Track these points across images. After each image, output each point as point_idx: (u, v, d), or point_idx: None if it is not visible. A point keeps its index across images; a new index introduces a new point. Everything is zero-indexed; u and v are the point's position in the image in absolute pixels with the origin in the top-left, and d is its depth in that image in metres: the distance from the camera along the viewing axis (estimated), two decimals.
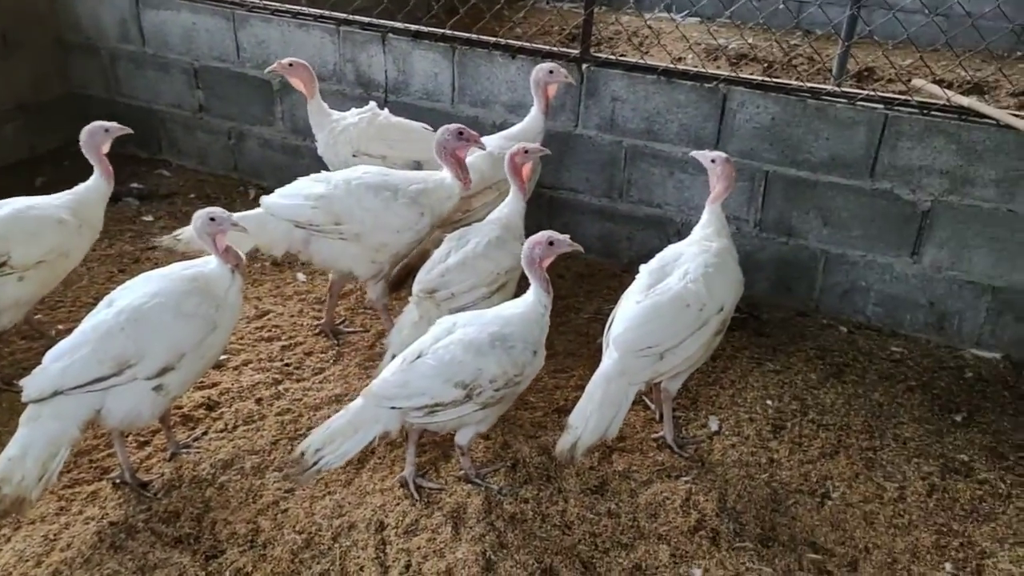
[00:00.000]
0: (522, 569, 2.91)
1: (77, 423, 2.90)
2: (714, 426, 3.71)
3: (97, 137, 3.73)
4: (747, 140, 4.42)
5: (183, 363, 3.01)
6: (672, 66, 4.52)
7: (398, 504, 3.17)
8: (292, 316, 4.30)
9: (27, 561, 2.84)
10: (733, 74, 4.43)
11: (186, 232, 3.81)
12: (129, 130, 3.86)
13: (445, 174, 3.82)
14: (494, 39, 4.82)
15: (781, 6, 6.34)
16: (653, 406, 3.77)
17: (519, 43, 4.79)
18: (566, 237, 3.14)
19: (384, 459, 3.38)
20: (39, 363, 2.93)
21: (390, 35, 5.04)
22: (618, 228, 4.89)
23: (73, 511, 3.06)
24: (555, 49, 4.73)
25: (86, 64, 6.00)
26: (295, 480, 3.05)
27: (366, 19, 5.14)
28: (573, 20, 9.26)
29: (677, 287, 3.27)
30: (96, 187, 3.77)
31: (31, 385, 2.86)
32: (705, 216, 3.56)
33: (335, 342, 4.11)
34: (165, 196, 5.54)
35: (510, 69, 4.80)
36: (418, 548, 2.98)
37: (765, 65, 7.54)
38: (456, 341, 2.99)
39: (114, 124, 3.79)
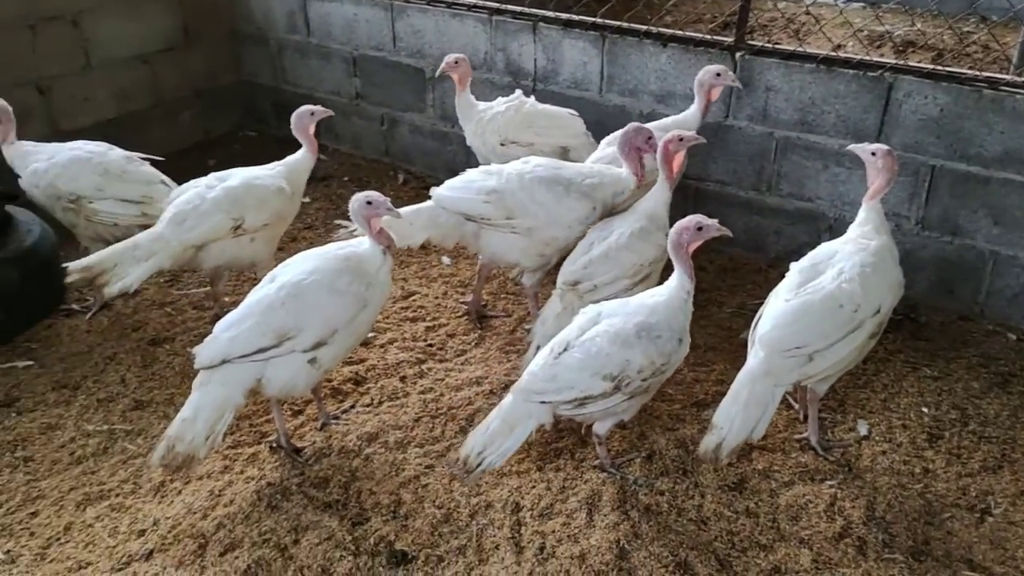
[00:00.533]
0: (656, 561, 2.90)
1: (241, 390, 3.10)
2: (863, 431, 3.56)
3: (304, 119, 4.08)
4: (912, 133, 4.19)
5: (335, 338, 3.16)
6: (833, 54, 4.33)
7: (534, 487, 3.22)
8: (436, 298, 4.44)
9: (195, 513, 3.07)
10: (900, 62, 4.20)
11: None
12: (331, 112, 4.21)
13: (622, 169, 3.81)
14: (645, 27, 4.77)
15: None
16: (797, 405, 3.65)
17: (671, 31, 4.72)
18: (714, 222, 3.09)
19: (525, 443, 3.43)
20: (209, 332, 3.15)
21: (541, 24, 5.08)
22: (765, 222, 4.75)
23: (235, 470, 3.28)
24: (708, 37, 4.63)
25: (256, 53, 6.37)
26: (464, 482, 3.14)
27: (518, 8, 5.20)
28: (728, 7, 9.03)
29: (830, 286, 3.14)
30: (304, 159, 4.14)
31: (203, 353, 3.08)
32: (863, 213, 3.40)
33: (478, 325, 4.20)
34: (322, 179, 5.81)
35: (660, 58, 4.74)
36: (552, 531, 3.02)
37: (934, 53, 7.10)
38: (602, 333, 3.00)
39: (318, 107, 4.12)
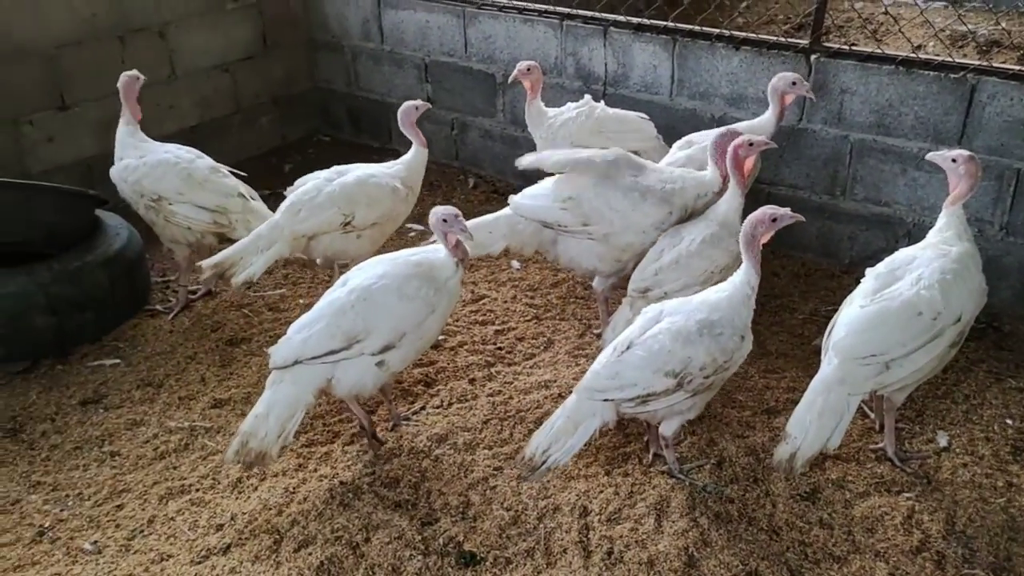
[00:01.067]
0: (725, 569, 2.87)
1: (312, 389, 3.18)
2: (943, 442, 3.46)
3: (411, 114, 4.18)
4: (996, 135, 4.05)
5: (403, 342, 3.21)
6: (913, 55, 4.22)
7: (601, 491, 3.22)
8: (505, 302, 4.47)
9: (270, 509, 3.17)
10: (984, 63, 4.07)
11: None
12: (429, 105, 4.33)
13: (706, 172, 3.78)
14: (717, 30, 4.73)
15: None
16: (873, 415, 3.57)
17: (743, 34, 4.67)
18: (787, 210, 3.06)
19: (589, 447, 3.43)
20: (283, 332, 3.25)
21: (611, 28, 5.08)
22: (839, 227, 4.65)
23: (309, 468, 3.37)
24: (782, 40, 4.57)
25: (331, 60, 6.52)
26: (529, 480, 3.15)
27: (589, 13, 5.21)
28: (802, 7, 8.88)
29: (908, 293, 3.07)
30: (417, 156, 4.20)
31: (277, 353, 3.17)
32: (943, 218, 3.30)
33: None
34: None
35: (732, 61, 4.69)
36: (620, 536, 3.02)
37: (1021, 53, 6.83)
38: (664, 330, 2.99)
39: (420, 101, 4.23)
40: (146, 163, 4.19)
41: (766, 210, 3.05)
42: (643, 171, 3.83)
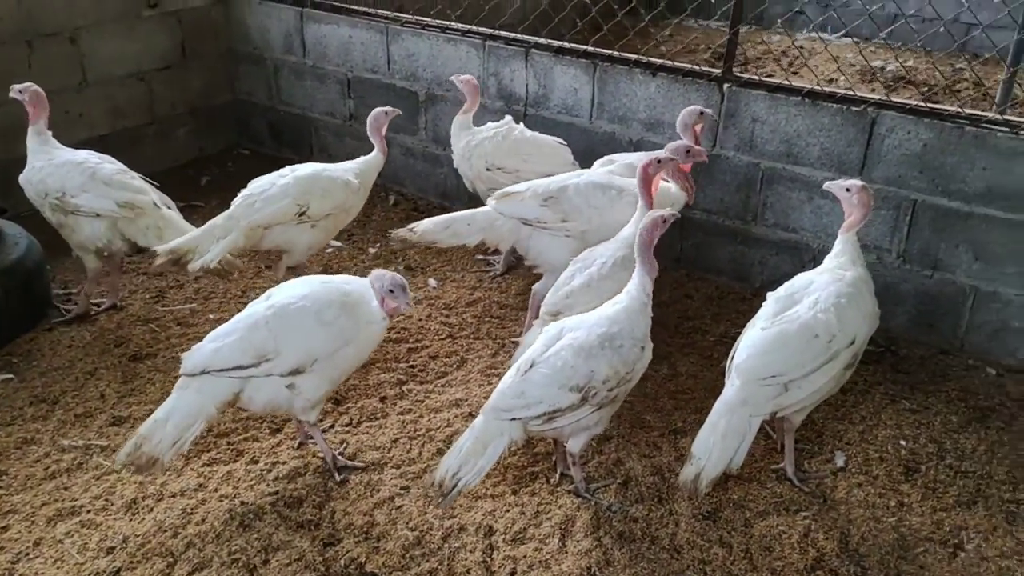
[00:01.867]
0: None
1: (216, 402, 3.10)
2: (840, 462, 3.56)
3: (380, 119, 4.40)
4: (894, 167, 4.22)
5: (315, 368, 3.12)
6: (818, 88, 4.38)
7: (508, 511, 3.21)
8: (420, 320, 4.44)
9: (165, 531, 3.06)
10: (883, 98, 4.24)
11: (421, 225, 4.11)
12: (399, 111, 4.54)
13: (671, 184, 3.97)
14: (635, 56, 4.83)
15: (942, 29, 5.98)
16: (776, 435, 3.65)
17: (659, 61, 4.77)
18: (669, 209, 3.20)
19: (497, 466, 3.42)
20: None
21: (533, 50, 5.13)
22: (751, 252, 4.77)
23: (210, 488, 3.28)
24: (696, 68, 4.69)
25: (252, 73, 6.42)
26: (441, 504, 3.11)
27: (511, 35, 5.26)
28: (720, 39, 9.14)
29: (806, 316, 3.17)
30: (375, 159, 4.43)
31: (187, 360, 3.09)
32: (839, 244, 3.43)
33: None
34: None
35: (650, 87, 4.79)
36: (524, 556, 3.02)
37: (925, 89, 7.16)
38: (566, 346, 3.02)
39: (390, 108, 4.46)
40: (52, 163, 4.09)
41: (653, 214, 3.15)
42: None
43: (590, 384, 2.99)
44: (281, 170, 4.25)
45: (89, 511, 3.15)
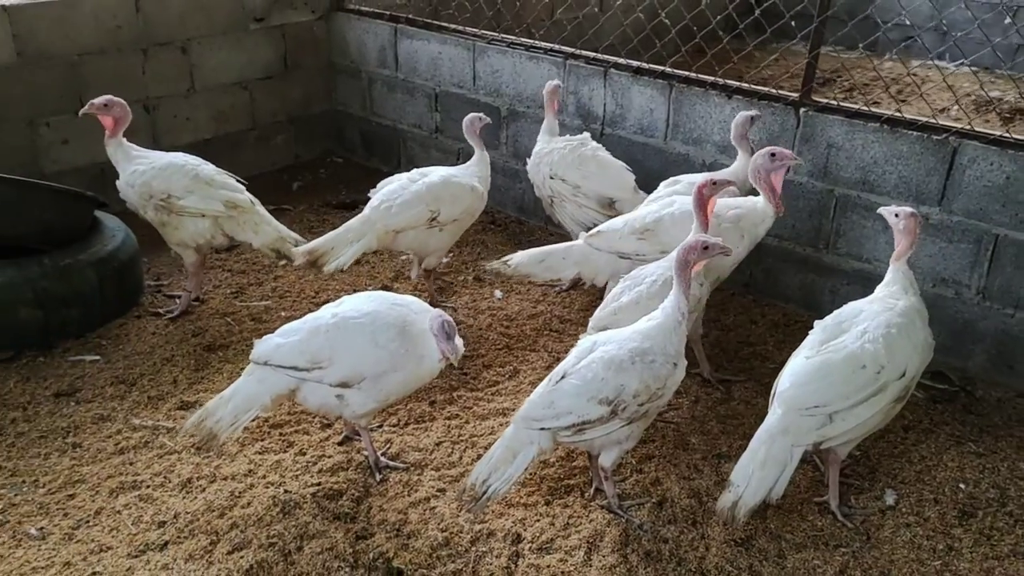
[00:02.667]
0: None
1: (272, 394, 3.25)
2: (890, 500, 3.43)
3: (475, 124, 4.64)
4: (975, 199, 4.05)
5: (362, 386, 3.19)
6: (897, 115, 4.25)
7: (538, 520, 3.25)
8: (480, 330, 4.54)
9: (213, 511, 3.24)
10: (966, 127, 4.08)
11: (515, 258, 4.15)
12: (488, 120, 4.72)
13: (759, 199, 3.90)
14: (711, 78, 4.80)
15: None
16: (823, 467, 3.56)
17: (736, 83, 4.73)
18: (719, 240, 3.14)
19: (533, 475, 3.47)
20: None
21: (612, 70, 5.18)
22: (821, 280, 4.65)
23: (258, 474, 3.45)
24: (772, 91, 4.63)
25: (348, 85, 6.71)
26: (473, 510, 3.14)
27: (591, 54, 5.32)
28: (827, 64, 8.92)
29: (853, 346, 3.10)
30: (484, 159, 4.66)
31: (257, 347, 3.26)
32: (889, 274, 3.34)
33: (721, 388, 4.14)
34: None
35: (725, 109, 4.75)
36: (548, 566, 3.04)
37: None
38: (597, 359, 3.05)
39: (483, 115, 4.66)
40: (154, 167, 4.31)
41: (699, 238, 3.13)
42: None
43: (620, 398, 3.01)
44: (410, 174, 4.51)
45: (148, 486, 3.37)
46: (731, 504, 3.01)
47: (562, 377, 3.07)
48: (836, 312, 3.29)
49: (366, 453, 3.51)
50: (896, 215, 3.31)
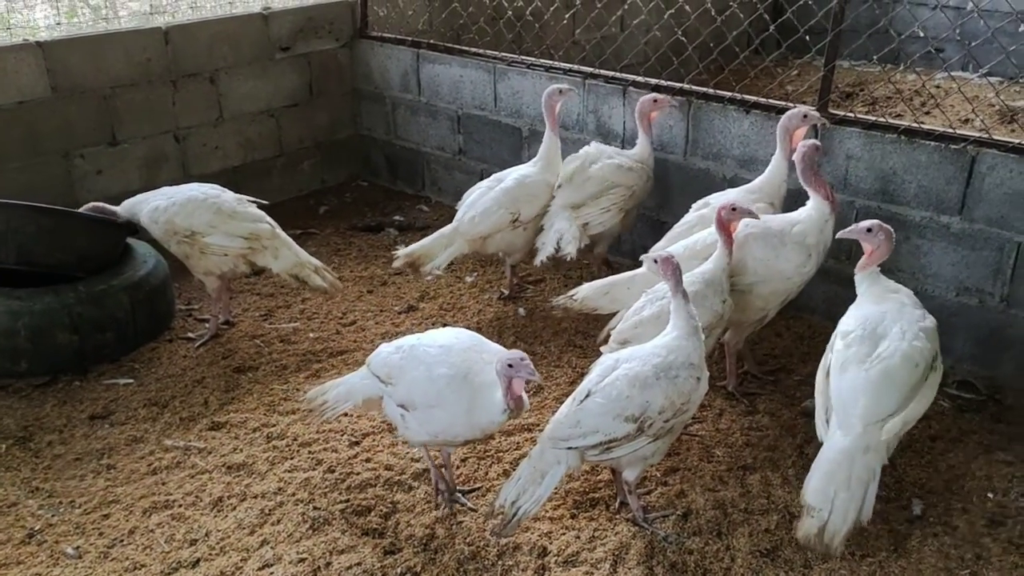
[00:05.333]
0: None
1: (364, 395, 3.40)
2: (917, 510, 3.41)
3: (553, 97, 4.77)
4: (996, 207, 4.04)
5: (414, 413, 3.21)
6: (915, 125, 4.26)
7: (564, 534, 3.27)
8: (505, 347, 4.57)
9: (243, 529, 3.31)
10: (983, 135, 4.08)
11: (581, 291, 4.17)
12: (573, 89, 4.87)
13: (809, 206, 3.87)
14: (729, 94, 4.84)
15: None
16: None
17: (753, 98, 4.77)
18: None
19: (558, 489, 3.50)
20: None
21: (631, 88, 5.23)
22: (844, 291, 4.58)
23: (288, 492, 3.51)
24: (790, 104, 4.65)
25: (372, 110, 6.83)
26: (503, 534, 3.14)
27: (610, 73, 5.39)
28: (849, 78, 8.92)
29: (903, 347, 3.13)
30: (551, 141, 4.80)
31: (372, 357, 3.39)
32: (866, 281, 3.45)
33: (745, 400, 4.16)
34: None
35: (743, 124, 4.79)
36: None
37: None
38: (621, 376, 3.07)
39: (564, 86, 4.83)
40: (175, 203, 4.42)
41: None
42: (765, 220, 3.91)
43: (646, 415, 3.03)
44: (488, 181, 4.84)
45: (180, 505, 3.44)
46: (817, 531, 2.94)
47: (587, 396, 3.10)
48: (857, 322, 3.29)
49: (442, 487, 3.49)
50: (868, 229, 3.39)
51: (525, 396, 3.08)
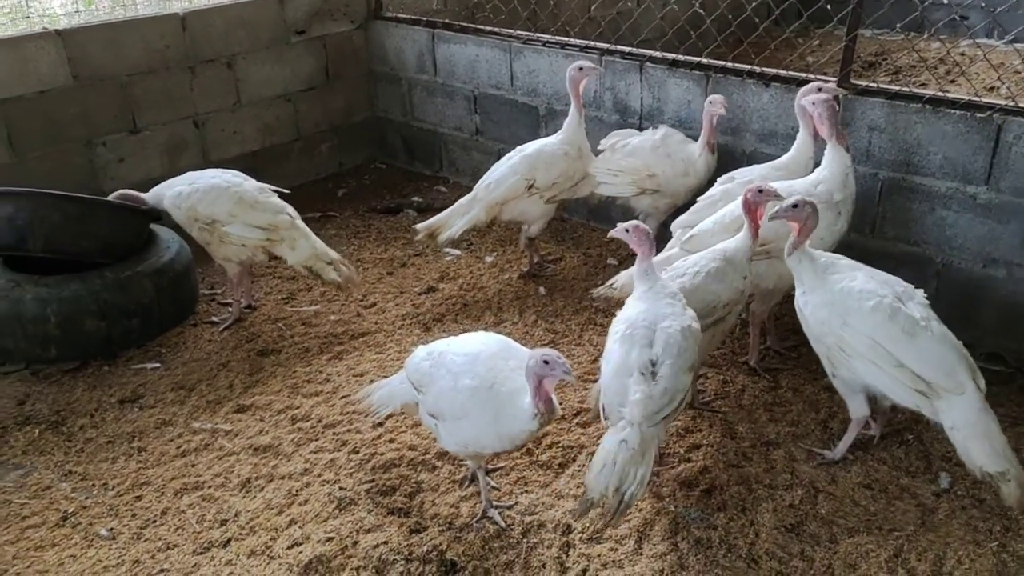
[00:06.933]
0: None
1: (402, 399, 3.38)
2: (945, 483, 3.40)
3: (576, 76, 4.74)
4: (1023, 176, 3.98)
5: (444, 423, 3.14)
6: (940, 94, 4.19)
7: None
8: (526, 326, 4.59)
9: (272, 509, 3.36)
10: (1009, 103, 4.01)
11: (620, 279, 4.12)
12: (599, 68, 4.93)
13: (829, 156, 3.87)
14: (748, 67, 4.79)
15: None
16: (874, 428, 3.63)
17: (773, 71, 4.72)
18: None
19: (583, 467, 3.52)
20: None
21: (648, 63, 5.19)
22: (869, 264, 4.58)
23: (314, 473, 3.55)
24: (810, 76, 4.59)
25: (389, 92, 6.83)
26: (612, 523, 3.09)
27: (627, 48, 5.34)
28: (871, 48, 8.79)
29: (927, 310, 3.27)
30: (574, 120, 4.85)
31: (408, 360, 3.32)
32: (808, 258, 3.42)
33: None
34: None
35: (763, 97, 4.74)
36: (598, 555, 3.09)
37: None
38: (674, 332, 3.11)
39: (584, 65, 4.73)
40: (197, 189, 4.44)
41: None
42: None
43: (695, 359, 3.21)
44: (511, 152, 4.94)
45: (210, 487, 3.50)
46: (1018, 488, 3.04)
47: (653, 366, 3.05)
48: (883, 293, 3.27)
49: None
50: (795, 205, 3.35)
51: (555, 399, 2.97)
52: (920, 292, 3.36)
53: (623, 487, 2.94)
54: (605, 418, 3.11)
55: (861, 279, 3.33)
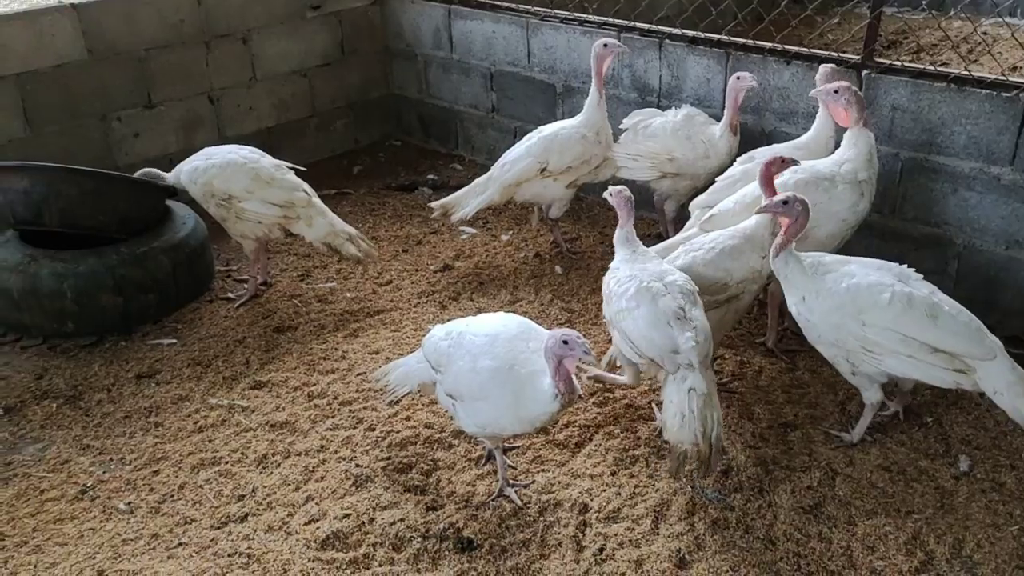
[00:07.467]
0: (715, 574, 2.90)
1: (419, 379, 3.37)
2: (964, 466, 3.38)
3: (601, 55, 4.67)
4: None
5: (463, 403, 3.11)
6: (965, 73, 4.13)
7: (604, 491, 3.29)
8: (542, 305, 4.58)
9: (288, 485, 3.37)
10: None
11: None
12: (625, 48, 4.79)
13: (852, 137, 3.83)
14: (769, 44, 4.72)
15: None
16: (893, 404, 3.64)
17: (794, 48, 4.65)
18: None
19: (599, 447, 3.51)
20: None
21: (667, 41, 5.13)
22: (888, 246, 4.55)
23: (330, 450, 3.55)
24: (833, 54, 4.53)
25: (404, 68, 6.78)
26: (712, 470, 3.14)
27: (645, 25, 5.28)
28: (892, 26, 8.66)
29: (927, 285, 3.29)
30: (593, 101, 4.77)
31: (426, 339, 3.30)
32: (800, 260, 3.34)
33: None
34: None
35: (784, 76, 4.68)
36: (615, 535, 3.08)
37: None
38: (683, 283, 3.26)
39: (608, 42, 4.66)
40: (213, 164, 4.41)
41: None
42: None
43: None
44: (532, 133, 4.91)
45: (227, 462, 3.51)
46: None
47: (686, 318, 3.14)
48: (877, 269, 3.29)
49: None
50: (785, 202, 3.28)
51: (576, 380, 2.92)
52: (910, 269, 3.32)
53: (708, 431, 3.02)
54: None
55: (860, 273, 3.25)
